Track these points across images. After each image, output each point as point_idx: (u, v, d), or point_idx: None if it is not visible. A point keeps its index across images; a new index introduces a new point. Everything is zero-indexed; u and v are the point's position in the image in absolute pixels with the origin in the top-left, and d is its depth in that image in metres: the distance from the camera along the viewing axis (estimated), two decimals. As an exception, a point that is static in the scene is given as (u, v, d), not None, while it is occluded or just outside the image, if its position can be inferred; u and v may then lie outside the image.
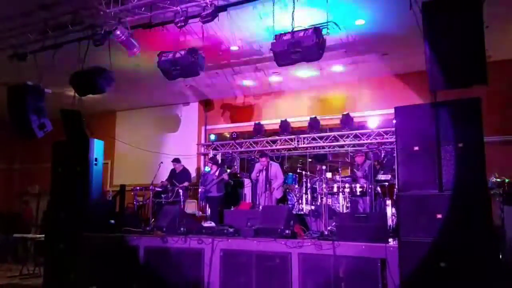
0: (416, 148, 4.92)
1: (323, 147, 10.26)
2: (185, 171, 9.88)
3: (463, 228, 4.58)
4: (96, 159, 7.38)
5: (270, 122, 10.78)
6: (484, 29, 4.39)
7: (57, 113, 7.38)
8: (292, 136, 10.35)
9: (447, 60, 4.28)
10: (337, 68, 9.05)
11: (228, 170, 9.52)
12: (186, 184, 9.44)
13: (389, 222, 7.00)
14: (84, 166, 7.22)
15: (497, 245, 4.98)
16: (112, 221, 7.33)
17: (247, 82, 10.16)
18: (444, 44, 4.31)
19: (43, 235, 7.71)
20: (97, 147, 7.40)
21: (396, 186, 5.54)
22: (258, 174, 8.82)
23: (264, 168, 8.71)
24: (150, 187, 8.34)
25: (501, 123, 8.12)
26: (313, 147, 10.35)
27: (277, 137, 10.58)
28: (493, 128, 7.87)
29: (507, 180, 6.09)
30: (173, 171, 9.85)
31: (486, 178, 4.76)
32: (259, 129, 10.65)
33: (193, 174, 11.08)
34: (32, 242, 9.43)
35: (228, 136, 11.47)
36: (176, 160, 9.94)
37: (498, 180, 6.19)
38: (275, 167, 8.81)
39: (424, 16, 4.42)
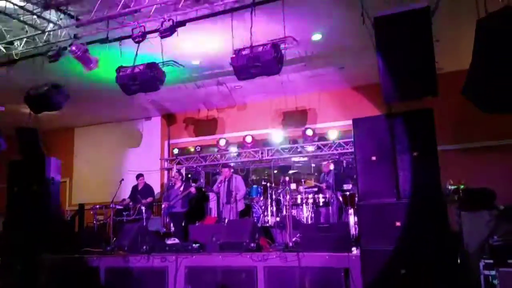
0: (374, 158, 5.06)
1: (287, 159, 10.36)
2: (147, 187, 9.67)
3: (421, 235, 4.72)
4: (53, 178, 7.17)
5: (234, 135, 10.79)
6: (434, 42, 4.60)
7: (12, 131, 7.12)
8: (256, 149, 10.39)
9: (399, 73, 4.45)
10: (298, 81, 9.19)
11: (193, 184, 9.42)
12: (149, 200, 9.23)
13: (352, 231, 7.12)
14: (40, 185, 7.00)
15: (455, 250, 5.14)
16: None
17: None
18: (395, 57, 4.49)
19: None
20: (54, 165, 7.20)
21: (357, 196, 5.66)
22: (219, 185, 8.77)
23: (226, 179, 8.67)
24: (111, 205, 8.12)
25: (456, 132, 8.44)
26: (277, 159, 10.43)
27: (241, 150, 10.60)
28: (448, 137, 8.21)
29: (462, 187, 6.28)
30: (135, 188, 9.63)
31: (441, 185, 4.95)
32: (224, 143, 10.63)
33: (157, 189, 10.90)
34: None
35: (192, 150, 11.38)
36: (139, 176, 9.73)
37: (454, 186, 6.37)
38: (237, 179, 8.79)
39: (376, 30, 4.59)
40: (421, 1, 4.50)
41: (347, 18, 6.11)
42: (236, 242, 5.94)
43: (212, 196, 10.41)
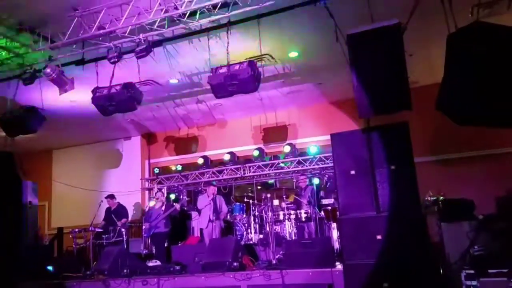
0: (353, 172, 5.10)
1: (269, 175, 10.34)
2: (120, 208, 9.42)
3: (402, 247, 4.74)
4: (30, 202, 7.02)
5: (216, 152, 10.75)
6: (407, 57, 4.69)
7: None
8: (238, 166, 10.35)
9: (373, 88, 4.51)
10: (277, 97, 9.26)
11: (175, 204, 9.31)
12: (124, 221, 9.00)
13: (336, 245, 7.12)
14: (17, 210, 6.84)
15: (437, 261, 5.17)
16: (50, 267, 6.92)
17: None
18: (369, 73, 4.55)
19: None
20: (31, 189, 7.05)
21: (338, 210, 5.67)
22: (207, 204, 8.67)
23: (212, 198, 8.59)
24: (90, 228, 7.94)
25: (433, 143, 8.57)
26: (260, 175, 10.40)
27: (223, 167, 10.54)
28: (426, 149, 8.33)
29: (441, 198, 6.35)
30: (108, 210, 9.38)
31: (419, 197, 4.99)
32: (205, 161, 10.59)
33: (138, 210, 10.74)
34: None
35: (174, 169, 11.27)
36: (110, 196, 9.47)
37: (433, 198, 6.44)
38: (220, 199, 8.77)
39: (349, 47, 4.66)
40: (392, 19, 4.58)
41: (322, 35, 6.21)
42: (218, 261, 5.88)
43: (194, 215, 10.31)
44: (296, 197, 8.48)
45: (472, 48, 4.09)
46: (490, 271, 4.53)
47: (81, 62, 6.16)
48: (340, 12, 5.25)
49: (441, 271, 5.22)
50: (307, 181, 8.81)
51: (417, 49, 6.65)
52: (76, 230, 8.41)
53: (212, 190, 8.67)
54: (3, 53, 6.24)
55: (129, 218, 9.51)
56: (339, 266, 5.43)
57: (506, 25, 4.11)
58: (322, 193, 8.74)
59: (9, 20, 5.68)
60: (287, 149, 9.66)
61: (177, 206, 8.92)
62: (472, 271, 4.80)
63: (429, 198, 6.45)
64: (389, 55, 4.48)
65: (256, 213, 8.75)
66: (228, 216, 9.02)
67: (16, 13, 5.60)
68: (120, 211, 9.31)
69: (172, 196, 11.17)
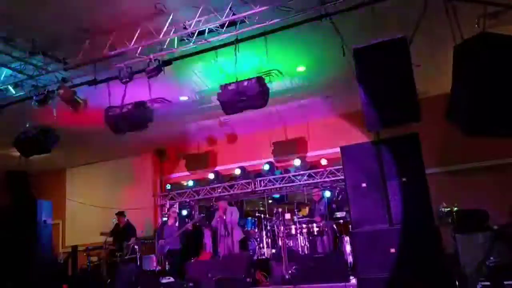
0: (364, 184, 5.10)
1: (280, 189, 10.34)
2: (128, 226, 9.41)
3: (416, 260, 4.70)
4: (45, 221, 7.09)
5: (227, 167, 10.79)
6: (416, 68, 4.70)
7: (1, 175, 7.09)
8: (249, 180, 10.38)
9: (381, 101, 4.53)
10: (286, 111, 9.29)
11: (188, 220, 9.34)
12: (132, 240, 8.93)
13: (350, 259, 7.07)
14: (32, 229, 6.90)
15: (452, 273, 5.11)
16: (65, 286, 6.98)
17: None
18: (376, 85, 4.57)
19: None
20: (46, 208, 7.14)
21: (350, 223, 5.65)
22: (218, 220, 8.67)
23: (223, 212, 8.59)
24: (104, 246, 7.98)
25: (444, 154, 8.50)
26: (270, 189, 10.41)
27: (234, 182, 10.57)
28: (437, 160, 8.26)
29: (455, 209, 6.30)
30: (116, 226, 9.41)
31: (432, 209, 4.96)
32: (216, 176, 10.64)
33: (150, 226, 10.77)
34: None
35: (185, 184, 11.33)
36: (120, 214, 9.51)
37: (447, 209, 6.39)
38: (233, 211, 8.72)
39: (356, 61, 4.69)
40: (398, 33, 4.62)
41: (329, 49, 6.21)
42: (231, 277, 5.88)
43: (206, 230, 10.31)
44: (311, 211, 8.44)
45: (479, 59, 4.10)
46: (506, 282, 4.46)
47: (93, 83, 6.27)
48: (346, 27, 5.30)
49: (457, 283, 5.16)
50: (321, 194, 8.74)
51: (428, 59, 6.63)
52: (89, 247, 8.45)
53: (221, 205, 8.67)
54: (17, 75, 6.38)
55: (137, 235, 9.51)
56: (353, 280, 5.39)
57: (512, 35, 4.12)
58: (334, 206, 8.70)
59: (22, 43, 5.83)
60: (297, 162, 9.66)
61: (189, 225, 8.94)
62: (488, 283, 4.74)
63: (443, 209, 6.39)
64: (396, 68, 4.50)
65: (268, 228, 8.73)
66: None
67: (28, 36, 5.74)
68: (128, 229, 9.28)
69: (184, 212, 11.21)
